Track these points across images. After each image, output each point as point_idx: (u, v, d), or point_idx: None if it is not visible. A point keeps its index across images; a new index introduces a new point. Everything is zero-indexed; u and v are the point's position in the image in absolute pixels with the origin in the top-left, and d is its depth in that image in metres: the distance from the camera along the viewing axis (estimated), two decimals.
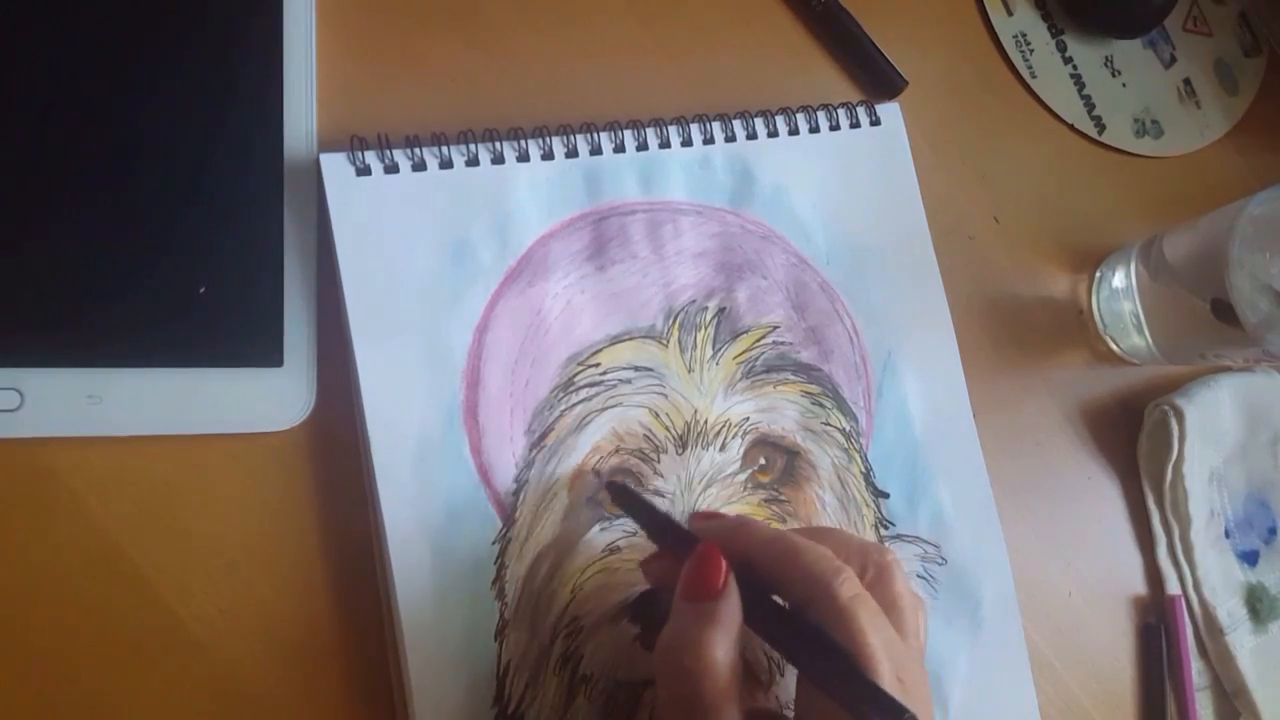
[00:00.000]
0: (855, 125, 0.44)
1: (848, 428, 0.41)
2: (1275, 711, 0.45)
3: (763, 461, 0.40)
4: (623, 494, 0.35)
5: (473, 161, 0.38)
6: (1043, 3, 0.51)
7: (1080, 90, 0.50)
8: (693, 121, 0.41)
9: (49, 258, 0.34)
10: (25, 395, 0.33)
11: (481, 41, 0.41)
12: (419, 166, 0.37)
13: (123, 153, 0.35)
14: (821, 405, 0.41)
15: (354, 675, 0.35)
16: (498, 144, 0.38)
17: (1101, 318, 0.48)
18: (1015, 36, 0.50)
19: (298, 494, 0.36)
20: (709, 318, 0.40)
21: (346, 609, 0.36)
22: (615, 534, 0.37)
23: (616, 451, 0.38)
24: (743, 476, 0.39)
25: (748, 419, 0.40)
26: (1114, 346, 0.48)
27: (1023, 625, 0.42)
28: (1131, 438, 0.47)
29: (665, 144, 0.41)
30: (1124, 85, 0.51)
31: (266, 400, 0.35)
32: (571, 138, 0.39)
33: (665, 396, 0.39)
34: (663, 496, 0.38)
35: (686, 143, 0.41)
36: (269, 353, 0.36)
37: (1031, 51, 0.50)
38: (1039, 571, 0.45)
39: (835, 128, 0.43)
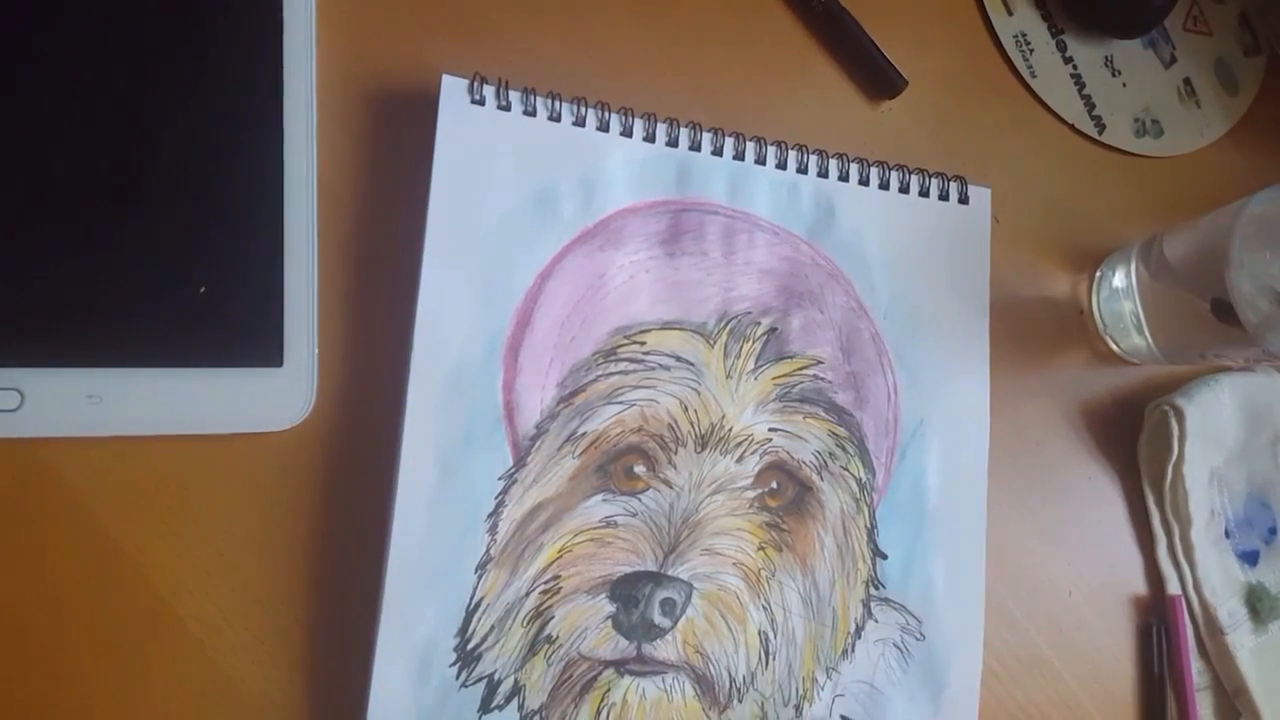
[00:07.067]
0: (944, 197, 0.44)
1: (864, 479, 0.41)
2: (1275, 711, 0.45)
3: (774, 485, 0.40)
4: None
5: (579, 123, 0.40)
6: (1043, 3, 0.51)
7: (1080, 90, 0.50)
8: (791, 148, 0.42)
9: (48, 258, 0.34)
10: (25, 395, 0.33)
11: (483, 42, 0.41)
12: (529, 112, 0.39)
13: (122, 152, 0.35)
14: (845, 449, 0.41)
15: (354, 676, 0.35)
16: (606, 112, 0.40)
17: (1101, 318, 0.48)
18: (1015, 36, 0.50)
19: (297, 494, 0.36)
20: (759, 333, 0.41)
21: (346, 609, 0.36)
22: (616, 509, 0.38)
23: (639, 430, 0.38)
24: (752, 493, 0.39)
25: (770, 440, 0.40)
26: (1114, 346, 0.48)
27: (988, 689, 0.42)
28: (1131, 438, 0.47)
29: (761, 161, 0.42)
30: (1124, 85, 0.51)
31: (266, 400, 0.36)
32: (676, 127, 0.41)
33: (698, 393, 0.39)
34: (670, 487, 0.38)
35: (781, 166, 0.42)
36: (269, 353, 0.36)
37: (1031, 51, 0.50)
38: (1039, 571, 0.45)
39: (924, 194, 0.44)
